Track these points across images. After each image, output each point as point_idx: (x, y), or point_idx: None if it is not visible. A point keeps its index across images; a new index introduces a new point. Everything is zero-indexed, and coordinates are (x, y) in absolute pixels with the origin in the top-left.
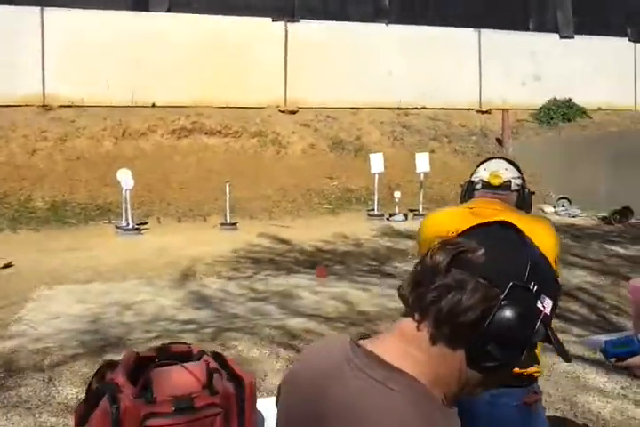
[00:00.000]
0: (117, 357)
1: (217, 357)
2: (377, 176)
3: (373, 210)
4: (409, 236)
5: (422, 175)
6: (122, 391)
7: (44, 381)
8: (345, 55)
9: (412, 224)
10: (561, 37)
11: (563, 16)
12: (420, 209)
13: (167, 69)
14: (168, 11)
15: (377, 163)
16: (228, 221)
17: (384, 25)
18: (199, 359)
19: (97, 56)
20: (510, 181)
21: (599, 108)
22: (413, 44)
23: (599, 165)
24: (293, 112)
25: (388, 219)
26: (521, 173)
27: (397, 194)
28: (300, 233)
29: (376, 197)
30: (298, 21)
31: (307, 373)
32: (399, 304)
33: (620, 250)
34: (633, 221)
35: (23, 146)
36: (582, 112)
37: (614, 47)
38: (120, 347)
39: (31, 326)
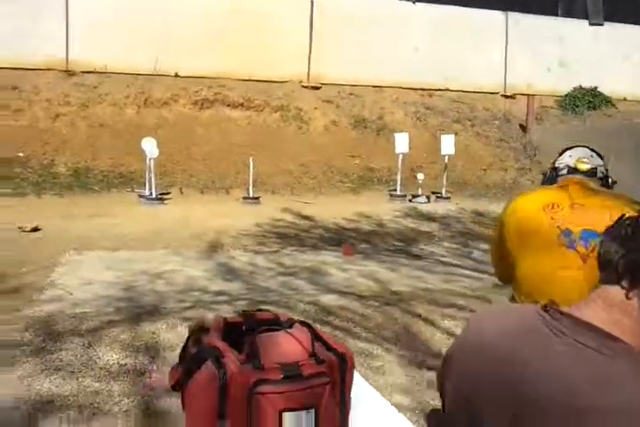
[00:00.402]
0: (153, 325)
1: (306, 326)
2: (401, 156)
3: (396, 191)
4: (433, 218)
5: (447, 158)
6: (225, 356)
7: (83, 345)
8: (371, 32)
9: (434, 207)
10: (590, 24)
11: (593, 3)
12: (443, 192)
13: (191, 39)
14: None
15: (402, 143)
16: (251, 195)
17: (411, 3)
18: (290, 327)
19: (121, 22)
20: (596, 168)
21: (625, 99)
22: (440, 25)
23: (625, 155)
24: (316, 88)
25: (410, 200)
26: (604, 162)
27: (421, 176)
28: (322, 210)
29: (399, 178)
30: None
31: (493, 339)
32: (430, 285)
33: None
34: None
35: (46, 110)
36: (608, 101)
37: None
38: (155, 315)
39: (67, 291)
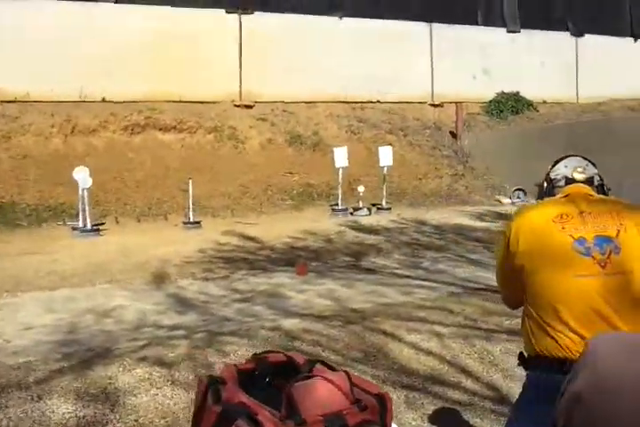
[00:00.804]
0: (108, 369)
1: (329, 367)
2: (341, 170)
3: (337, 205)
4: (376, 231)
5: (385, 169)
6: (258, 414)
7: (32, 400)
8: (299, 48)
9: (377, 218)
10: (508, 31)
11: (509, 10)
12: (384, 203)
13: (117, 63)
14: (116, 2)
15: (341, 157)
16: (192, 220)
17: (337, 18)
18: (310, 370)
19: (41, 48)
20: (593, 177)
21: (544, 102)
22: (366, 38)
23: (550, 156)
24: (249, 106)
25: (352, 213)
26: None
27: (361, 188)
28: (266, 230)
29: (340, 192)
30: (252, 13)
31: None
32: (390, 300)
33: None
34: None
35: None
36: (529, 105)
37: (557, 41)
38: (108, 357)
39: (4, 339)
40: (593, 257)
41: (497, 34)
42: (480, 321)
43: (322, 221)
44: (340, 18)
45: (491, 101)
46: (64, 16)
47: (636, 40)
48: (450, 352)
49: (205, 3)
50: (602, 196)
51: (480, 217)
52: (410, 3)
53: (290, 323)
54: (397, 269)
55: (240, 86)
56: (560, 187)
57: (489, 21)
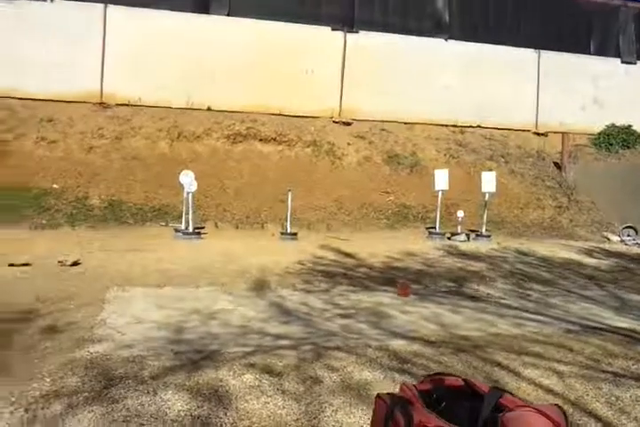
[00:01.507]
0: (218, 372)
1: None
2: (440, 193)
3: (434, 228)
4: (477, 257)
5: (487, 195)
6: None
7: (148, 393)
8: (402, 68)
9: (476, 245)
10: (622, 62)
11: (625, 41)
12: (483, 230)
13: (224, 74)
14: (228, 15)
15: (441, 179)
16: (289, 231)
17: (443, 40)
18: (496, 398)
19: (156, 56)
20: None
21: None
22: (471, 62)
23: None
24: (347, 123)
25: (449, 238)
26: None
27: (460, 213)
28: (362, 247)
29: (438, 215)
30: (357, 32)
31: None
32: (500, 330)
33: None
34: None
35: (80, 142)
36: None
37: None
38: (217, 360)
39: (118, 331)
40: None
41: (610, 64)
42: (604, 363)
43: (418, 243)
44: (446, 40)
45: (600, 133)
46: (177, 26)
47: None
48: (573, 393)
49: (312, 19)
50: None
51: (588, 253)
52: (520, 28)
53: (397, 344)
54: (503, 298)
55: (340, 103)
56: None
57: (602, 51)
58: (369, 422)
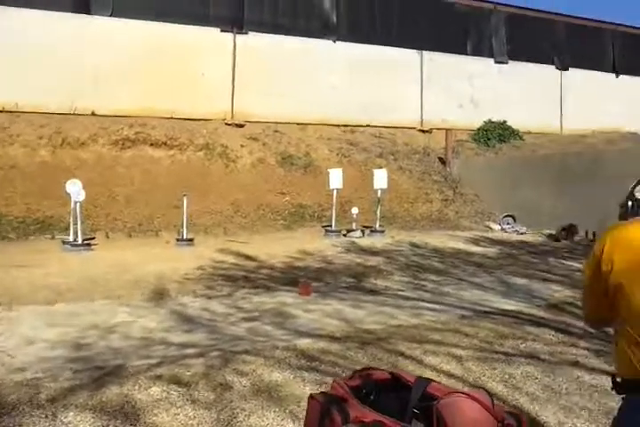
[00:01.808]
0: (123, 387)
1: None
2: (335, 192)
3: (330, 226)
4: (373, 252)
5: (379, 191)
6: None
7: (47, 417)
8: (292, 70)
9: (371, 241)
10: (495, 62)
11: (497, 42)
12: (377, 225)
13: (109, 77)
14: (111, 15)
15: (335, 178)
16: (185, 237)
17: (331, 42)
18: (423, 387)
19: (34, 59)
20: None
21: (530, 132)
22: (359, 62)
23: (540, 184)
24: (240, 125)
25: (345, 235)
26: None
27: (355, 210)
28: (262, 249)
29: (334, 213)
30: (246, 33)
31: None
32: (401, 321)
33: (577, 265)
34: (577, 237)
35: None
36: (516, 134)
37: (543, 74)
38: (122, 375)
39: (8, 354)
40: None
41: (485, 64)
42: (496, 344)
43: (316, 241)
44: (334, 41)
45: (478, 129)
46: (56, 27)
47: (617, 76)
48: (471, 375)
49: (200, 20)
50: None
51: (475, 242)
52: (404, 30)
53: (304, 343)
54: (402, 291)
55: (232, 105)
56: None
57: (477, 52)
58: (282, 423)
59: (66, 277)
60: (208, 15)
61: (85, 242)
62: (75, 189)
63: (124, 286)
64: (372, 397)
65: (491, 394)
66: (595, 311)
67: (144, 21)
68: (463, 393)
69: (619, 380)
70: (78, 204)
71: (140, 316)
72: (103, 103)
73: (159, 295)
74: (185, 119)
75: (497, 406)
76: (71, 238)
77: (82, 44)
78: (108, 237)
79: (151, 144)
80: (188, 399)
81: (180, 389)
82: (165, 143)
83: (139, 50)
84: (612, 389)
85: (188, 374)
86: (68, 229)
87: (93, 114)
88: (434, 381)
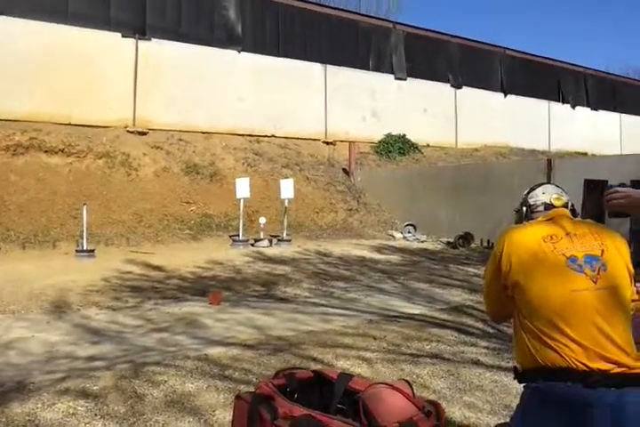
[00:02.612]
0: (24, 405)
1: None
2: (242, 201)
3: (238, 236)
4: (281, 261)
5: (286, 201)
6: (329, 425)
7: None
8: (196, 78)
9: (279, 250)
10: (395, 78)
11: (397, 59)
12: (284, 235)
13: (0, 79)
14: (2, 13)
15: (242, 188)
16: (85, 248)
17: (236, 52)
18: (346, 383)
19: None
20: (568, 202)
21: (428, 145)
22: (264, 73)
23: (437, 194)
24: (143, 133)
25: (252, 244)
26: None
27: (262, 220)
28: (168, 259)
29: (241, 223)
30: (149, 40)
31: None
32: (312, 327)
33: (474, 270)
34: (473, 245)
35: None
36: (415, 147)
37: (439, 91)
38: (23, 392)
39: None
40: (585, 274)
41: (385, 80)
42: (403, 346)
43: (223, 251)
44: (239, 52)
45: (380, 142)
46: None
47: (505, 95)
48: (381, 377)
49: (100, 24)
50: (579, 219)
51: (379, 250)
52: (306, 44)
53: (216, 351)
54: (310, 298)
55: (134, 112)
56: (539, 212)
57: (379, 67)
58: None
59: None
60: (109, 19)
61: None
62: None
63: (20, 300)
64: (296, 395)
65: (411, 385)
66: (496, 308)
67: (39, 22)
68: (385, 384)
69: (520, 370)
70: None
71: (39, 330)
72: None
73: (59, 309)
74: (83, 126)
75: (416, 396)
76: None
77: None
78: None
79: (46, 151)
80: (97, 414)
81: (88, 403)
82: (62, 150)
83: (32, 51)
84: (515, 378)
85: (97, 387)
86: None
87: None
88: (355, 376)
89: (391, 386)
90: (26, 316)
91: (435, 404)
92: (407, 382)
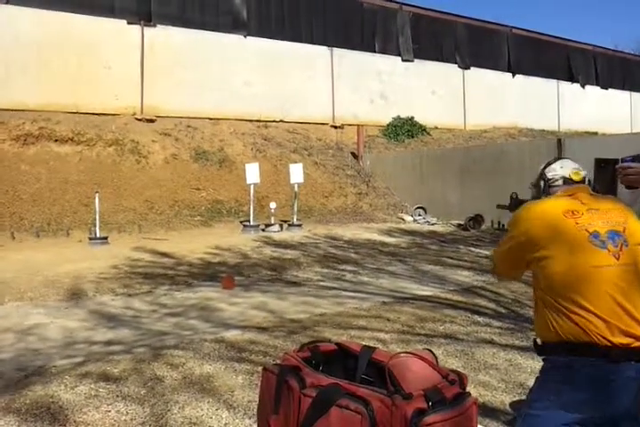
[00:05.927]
0: (47, 388)
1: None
2: (252, 187)
3: (248, 221)
4: (292, 245)
5: (296, 186)
6: (355, 392)
7: None
8: (203, 64)
9: (289, 234)
10: (402, 60)
11: (403, 41)
12: (294, 219)
13: (8, 68)
14: (8, 2)
15: (252, 173)
16: (98, 235)
17: (242, 37)
18: (369, 354)
19: None
20: (585, 177)
21: (436, 127)
22: (270, 58)
23: (447, 177)
24: (151, 120)
25: (263, 230)
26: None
27: (273, 205)
28: (179, 246)
29: (252, 208)
30: (154, 26)
31: None
32: (325, 310)
33: (485, 252)
34: (484, 227)
35: None
36: (423, 129)
37: (446, 72)
38: (45, 376)
39: None
40: (608, 249)
41: (392, 62)
42: (417, 327)
43: (234, 236)
44: (245, 37)
45: (388, 125)
46: None
47: (513, 75)
48: None
49: (106, 12)
50: (599, 194)
51: (388, 233)
52: (312, 27)
53: (232, 334)
54: (322, 281)
55: (142, 100)
56: (558, 186)
57: (385, 50)
58: (217, 412)
59: None
60: (114, 7)
61: None
62: None
63: (37, 288)
64: (321, 367)
65: (434, 354)
66: (507, 272)
67: (45, 10)
68: (410, 353)
69: (540, 343)
70: None
71: (57, 317)
72: (1, 97)
73: (76, 295)
74: (91, 114)
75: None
76: None
77: None
78: (13, 237)
79: (56, 140)
80: (118, 395)
81: (108, 385)
82: (72, 139)
83: (39, 40)
84: (535, 351)
85: (117, 370)
86: None
87: None
88: (378, 348)
89: (415, 355)
90: (43, 303)
91: (458, 373)
92: (430, 351)
